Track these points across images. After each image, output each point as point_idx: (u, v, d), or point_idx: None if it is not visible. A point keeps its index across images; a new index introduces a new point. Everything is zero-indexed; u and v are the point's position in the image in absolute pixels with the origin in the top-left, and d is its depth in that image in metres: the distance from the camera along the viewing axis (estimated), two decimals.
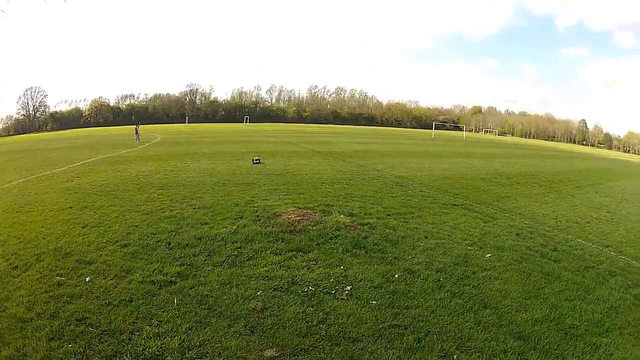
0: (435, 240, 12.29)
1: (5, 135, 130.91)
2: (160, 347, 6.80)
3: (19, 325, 7.53)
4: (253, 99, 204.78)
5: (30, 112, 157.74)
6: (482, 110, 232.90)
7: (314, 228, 12.41)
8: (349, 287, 8.86)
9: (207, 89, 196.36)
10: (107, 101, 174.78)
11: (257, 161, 27.78)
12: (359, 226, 12.88)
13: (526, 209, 18.31)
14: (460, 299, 8.60)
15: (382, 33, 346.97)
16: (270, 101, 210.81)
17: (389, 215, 14.66)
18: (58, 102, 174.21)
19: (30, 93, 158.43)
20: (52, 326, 7.38)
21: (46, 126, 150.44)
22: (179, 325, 7.43)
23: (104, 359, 6.60)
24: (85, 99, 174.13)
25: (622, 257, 12.78)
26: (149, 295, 8.54)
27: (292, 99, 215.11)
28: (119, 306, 8.10)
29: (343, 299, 8.38)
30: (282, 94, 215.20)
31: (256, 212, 14.35)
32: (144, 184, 19.99)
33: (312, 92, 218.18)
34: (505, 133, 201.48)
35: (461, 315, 7.95)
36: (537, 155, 58.68)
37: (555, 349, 7.18)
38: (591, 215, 18.55)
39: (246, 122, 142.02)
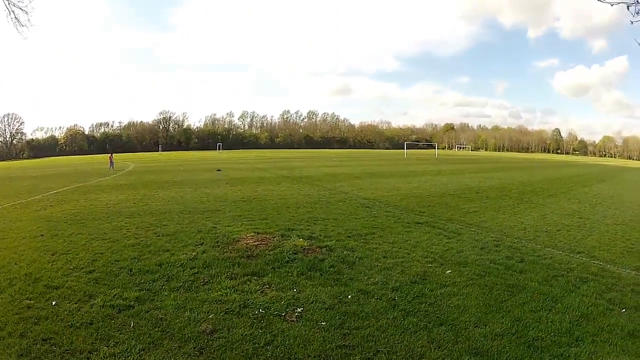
0: (394, 260, 12.20)
1: None
2: None
3: None
4: (226, 126, 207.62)
5: (7, 139, 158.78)
6: (455, 127, 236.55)
7: (271, 252, 12.36)
8: (299, 309, 8.80)
9: (180, 117, 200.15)
10: (81, 129, 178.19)
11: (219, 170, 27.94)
12: (317, 249, 12.78)
13: (493, 222, 18.34)
14: (415, 317, 8.43)
15: (353, 56, 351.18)
16: (243, 127, 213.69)
17: (349, 237, 14.59)
18: (34, 130, 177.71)
19: (7, 120, 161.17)
20: (21, 344, 7.84)
21: (22, 154, 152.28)
22: (133, 346, 7.71)
23: None
24: (60, 127, 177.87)
25: (595, 262, 12.73)
26: (108, 318, 8.86)
27: (265, 124, 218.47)
28: (81, 328, 8.46)
29: (293, 321, 8.31)
30: (255, 119, 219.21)
31: (217, 238, 14.43)
32: (112, 213, 20.24)
33: (285, 117, 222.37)
34: (479, 148, 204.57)
35: (414, 333, 7.78)
36: (509, 167, 59.61)
37: None
38: (562, 223, 18.68)
39: (219, 149, 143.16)
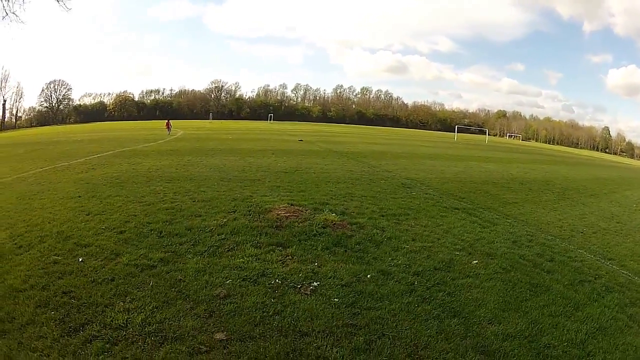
0: (422, 243, 11.98)
1: (27, 127, 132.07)
2: (126, 320, 7.56)
3: (13, 294, 8.60)
4: (278, 97, 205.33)
5: (54, 104, 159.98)
6: (507, 114, 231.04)
7: (300, 225, 12.37)
8: (315, 283, 8.84)
9: (232, 86, 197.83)
10: (131, 95, 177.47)
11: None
12: (347, 225, 12.69)
13: (531, 216, 17.74)
14: (429, 305, 8.28)
15: (409, 35, 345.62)
16: (295, 100, 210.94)
17: (382, 216, 14.42)
18: (82, 96, 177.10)
19: (54, 86, 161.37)
20: (40, 296, 8.40)
21: (69, 119, 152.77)
22: (148, 303, 8.12)
23: (78, 325, 7.46)
24: (109, 93, 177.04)
25: (624, 272, 12.00)
26: (130, 276, 9.30)
27: (318, 98, 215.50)
28: (102, 284, 8.96)
29: (306, 294, 8.37)
30: (308, 93, 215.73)
31: (250, 207, 14.51)
32: (152, 177, 20.65)
33: (338, 91, 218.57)
34: (530, 138, 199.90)
35: (424, 321, 7.65)
36: (557, 161, 57.79)
37: None
38: (599, 225, 17.81)
39: (270, 120, 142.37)
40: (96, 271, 9.61)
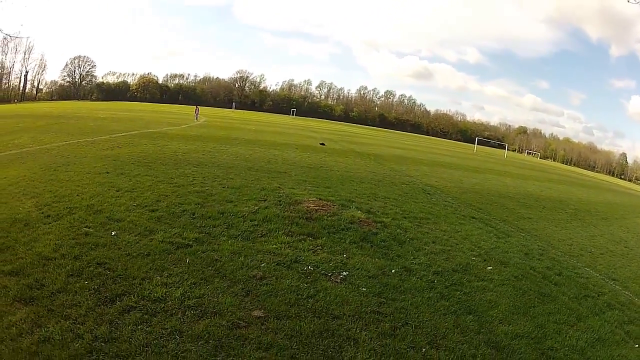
0: (442, 247, 12.52)
1: (47, 100, 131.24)
2: (165, 294, 7.84)
3: (42, 262, 8.68)
4: (302, 93, 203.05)
5: (76, 80, 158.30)
6: (527, 131, 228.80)
7: (329, 219, 12.89)
8: (345, 273, 9.40)
9: (257, 78, 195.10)
10: (155, 78, 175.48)
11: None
12: (373, 223, 13.21)
13: (544, 232, 18.14)
14: (447, 302, 8.86)
15: (437, 42, 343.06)
16: (319, 97, 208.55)
17: (405, 218, 14.90)
18: (105, 74, 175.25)
19: (78, 62, 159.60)
20: (73, 266, 8.55)
21: (92, 95, 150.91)
22: (186, 279, 8.46)
23: (114, 295, 7.68)
24: (133, 74, 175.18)
25: (626, 292, 12.44)
26: (166, 253, 9.61)
27: (341, 97, 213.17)
28: (137, 258, 9.23)
29: (337, 282, 8.93)
30: (332, 91, 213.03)
31: (279, 197, 14.98)
32: (180, 161, 21.02)
33: (362, 92, 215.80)
34: (547, 157, 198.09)
35: (443, 315, 8.23)
36: (573, 182, 57.48)
37: None
38: (607, 248, 18.11)
39: (293, 114, 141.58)
40: (131, 245, 9.92)
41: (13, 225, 10.72)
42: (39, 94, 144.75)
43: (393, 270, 9.92)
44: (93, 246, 9.73)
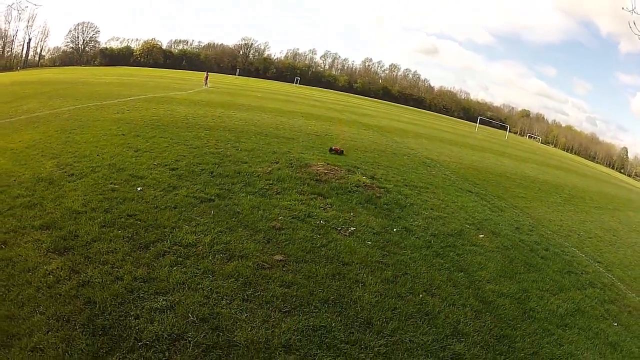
0: (439, 213, 13.48)
1: (50, 66, 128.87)
2: (195, 240, 8.76)
3: (73, 215, 9.53)
4: (307, 62, 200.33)
5: (79, 45, 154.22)
6: (530, 115, 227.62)
7: (337, 181, 13.86)
8: (352, 228, 10.42)
9: (261, 45, 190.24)
10: (159, 43, 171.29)
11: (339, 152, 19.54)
12: (377, 188, 14.19)
13: (536, 211, 18.97)
14: (442, 259, 9.88)
15: (445, 19, 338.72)
16: (323, 67, 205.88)
17: (406, 186, 15.86)
18: (109, 39, 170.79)
19: (82, 28, 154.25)
20: (104, 218, 9.43)
21: (95, 61, 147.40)
22: (212, 228, 9.40)
23: (148, 242, 8.57)
24: (137, 39, 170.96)
25: (609, 275, 13.09)
26: (191, 206, 10.51)
27: (345, 68, 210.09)
28: (165, 210, 10.11)
29: (346, 235, 9.96)
30: (336, 61, 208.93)
31: (290, 160, 15.93)
32: (192, 124, 21.76)
33: (366, 64, 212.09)
34: (549, 143, 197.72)
35: (438, 270, 9.25)
36: (571, 169, 57.77)
37: (509, 320, 8.12)
38: (596, 233, 18.84)
39: (296, 83, 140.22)
40: (157, 200, 10.77)
41: (37, 184, 11.40)
42: (41, 61, 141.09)
43: (395, 229, 10.92)
44: (121, 200, 10.56)
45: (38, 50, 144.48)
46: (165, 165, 13.66)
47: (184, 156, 14.91)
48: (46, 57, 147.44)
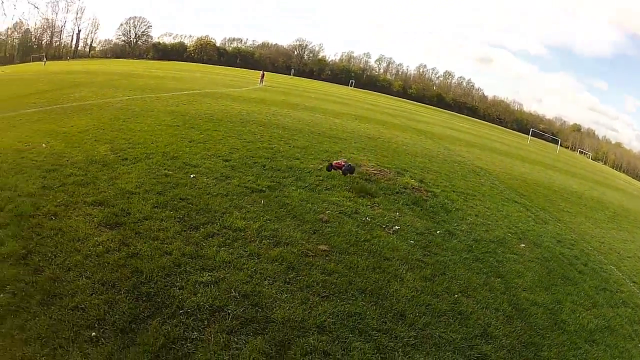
0: (483, 220, 13.47)
1: (101, 58, 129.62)
2: (244, 225, 9.21)
3: (125, 195, 10.08)
4: (361, 66, 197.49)
5: (132, 39, 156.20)
6: (582, 129, 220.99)
7: (385, 182, 14.05)
8: (397, 227, 10.60)
9: (316, 47, 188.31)
10: (213, 40, 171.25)
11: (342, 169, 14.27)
12: (424, 191, 14.25)
13: (579, 227, 18.37)
14: (481, 264, 9.92)
15: (500, 28, 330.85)
16: (377, 71, 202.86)
17: (453, 192, 15.83)
18: (162, 34, 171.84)
19: (134, 22, 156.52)
20: (157, 199, 9.96)
21: (147, 54, 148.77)
22: (261, 216, 9.80)
23: (198, 224, 9.11)
24: (190, 35, 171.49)
25: None
26: (242, 195, 10.93)
27: (400, 73, 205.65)
28: (217, 196, 10.57)
29: (389, 233, 10.15)
30: (391, 66, 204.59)
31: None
32: (245, 120, 22.15)
33: (420, 70, 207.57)
34: (599, 159, 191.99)
35: (476, 273, 9.33)
36: (618, 188, 55.60)
37: (539, 328, 8.09)
38: (635, 253, 17.77)
39: (351, 86, 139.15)
40: (209, 187, 11.20)
41: (91, 165, 11.93)
42: (92, 52, 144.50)
43: (438, 232, 11.01)
44: (174, 185, 11.03)
45: (88, 42, 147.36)
46: (219, 156, 14.08)
47: (238, 149, 15.31)
48: (97, 49, 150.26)
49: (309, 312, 6.84)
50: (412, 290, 7.93)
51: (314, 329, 6.50)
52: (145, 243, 8.21)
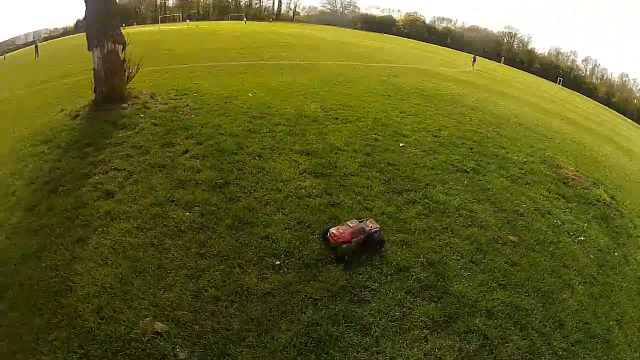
0: None
1: (305, 22, 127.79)
2: (445, 200, 9.99)
3: (334, 150, 11.24)
4: (568, 64, 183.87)
5: (338, 8, 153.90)
6: None
7: (581, 189, 13.71)
8: (582, 237, 10.52)
9: (525, 37, 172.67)
10: (422, 17, 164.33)
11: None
12: (613, 208, 13.64)
13: None
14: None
15: None
16: (584, 72, 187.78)
17: (639, 217, 14.37)
18: (369, 6, 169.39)
19: None
20: (364, 159, 11.07)
21: (355, 25, 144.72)
22: (462, 195, 10.52)
23: (402, 189, 9.95)
24: (399, 10, 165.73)
25: None
26: (447, 171, 11.58)
27: (604, 78, 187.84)
28: (423, 168, 11.37)
29: (574, 241, 10.27)
30: (596, 69, 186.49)
31: (545, 158, 15.84)
32: (456, 101, 22.24)
33: (623, 79, 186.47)
34: None
35: (635, 307, 8.94)
36: None
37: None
38: None
39: (559, 84, 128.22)
40: (417, 157, 11.89)
41: (300, 119, 13.04)
42: (295, 17, 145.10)
43: (616, 253, 10.63)
44: (383, 150, 11.93)
45: (292, 7, 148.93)
46: (428, 131, 14.62)
47: (447, 127, 15.68)
48: (301, 14, 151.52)
49: (484, 295, 7.18)
50: (578, 304, 7.87)
51: (484, 311, 6.83)
52: (347, 196, 9.24)
